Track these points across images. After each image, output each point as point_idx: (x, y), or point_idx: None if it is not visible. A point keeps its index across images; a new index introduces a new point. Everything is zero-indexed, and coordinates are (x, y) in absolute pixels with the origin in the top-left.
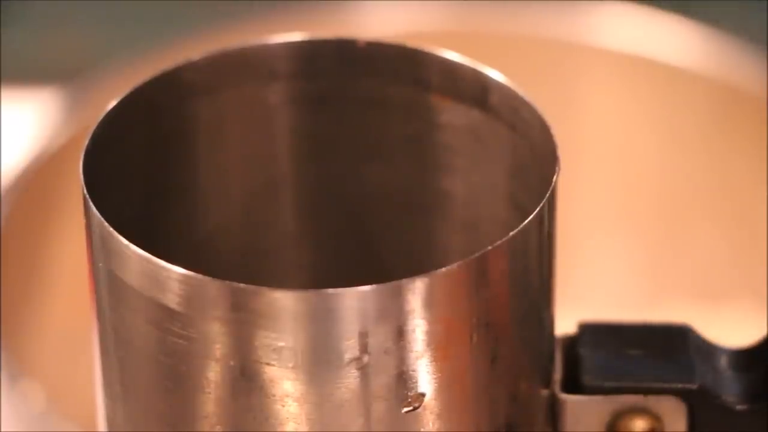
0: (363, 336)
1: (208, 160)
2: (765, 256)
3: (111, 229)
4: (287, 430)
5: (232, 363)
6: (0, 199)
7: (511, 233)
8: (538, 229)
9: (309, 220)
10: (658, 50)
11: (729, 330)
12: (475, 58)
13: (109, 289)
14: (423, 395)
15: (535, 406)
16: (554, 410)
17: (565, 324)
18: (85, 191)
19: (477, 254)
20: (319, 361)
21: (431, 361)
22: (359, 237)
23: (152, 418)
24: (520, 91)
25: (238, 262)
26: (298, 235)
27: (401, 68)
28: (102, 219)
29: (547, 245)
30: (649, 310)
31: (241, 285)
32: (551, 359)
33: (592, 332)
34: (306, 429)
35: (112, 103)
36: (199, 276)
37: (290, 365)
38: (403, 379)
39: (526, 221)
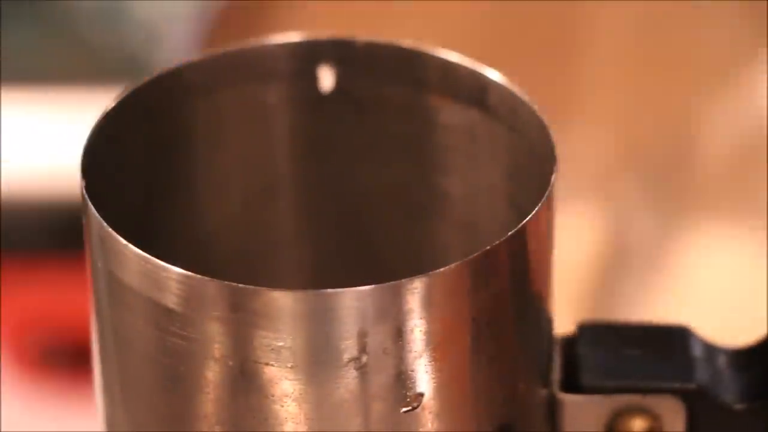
0: (362, 336)
1: (207, 160)
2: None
3: (110, 229)
4: (286, 430)
5: (231, 363)
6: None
7: (510, 233)
8: (536, 229)
9: (308, 220)
10: None
11: None
12: None
13: (108, 290)
14: (422, 395)
15: (534, 406)
16: (553, 410)
17: (565, 324)
18: (84, 191)
19: (475, 254)
20: (317, 361)
21: (430, 361)
22: (358, 237)
23: (151, 418)
24: (519, 91)
25: (237, 262)
26: (297, 235)
27: (399, 68)
28: (101, 219)
29: (546, 245)
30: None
31: (240, 285)
32: (550, 359)
33: (591, 332)
34: (305, 429)
35: (111, 103)
36: (198, 276)
37: (289, 365)
38: (401, 379)
39: (525, 221)
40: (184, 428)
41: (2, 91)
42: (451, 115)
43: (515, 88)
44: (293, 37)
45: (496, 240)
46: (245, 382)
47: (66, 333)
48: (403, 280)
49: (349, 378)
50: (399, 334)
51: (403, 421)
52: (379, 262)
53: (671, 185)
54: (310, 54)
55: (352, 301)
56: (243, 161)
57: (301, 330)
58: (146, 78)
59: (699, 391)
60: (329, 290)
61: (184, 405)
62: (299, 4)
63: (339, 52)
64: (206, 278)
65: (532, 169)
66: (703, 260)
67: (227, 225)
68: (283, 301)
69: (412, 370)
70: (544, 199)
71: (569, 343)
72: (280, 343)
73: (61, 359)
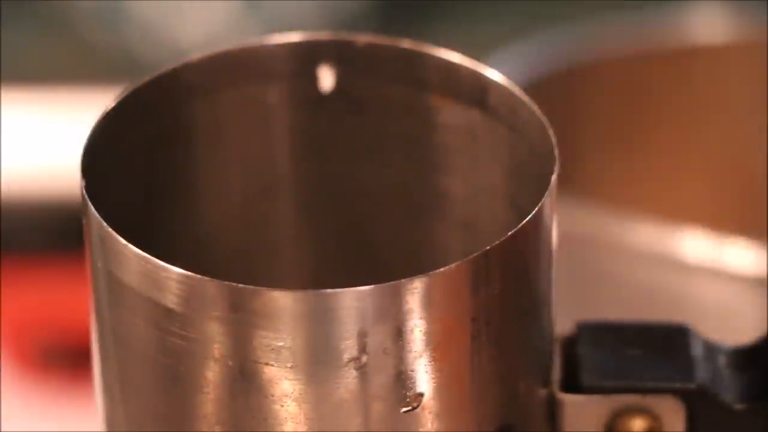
0: (362, 336)
1: (207, 160)
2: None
3: (110, 229)
4: (286, 430)
5: (230, 363)
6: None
7: (510, 233)
8: (536, 229)
9: (308, 220)
10: None
11: None
12: None
13: (108, 290)
14: (421, 395)
15: (534, 406)
16: (553, 410)
17: (565, 324)
18: (84, 191)
19: (475, 254)
20: (317, 361)
21: (430, 361)
22: (358, 237)
23: (151, 418)
24: (519, 91)
25: (237, 262)
26: (297, 235)
27: (400, 68)
28: (101, 219)
29: (547, 245)
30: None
31: (240, 285)
32: (550, 359)
33: (591, 332)
34: (304, 429)
35: (111, 103)
36: (198, 276)
37: (289, 365)
38: (401, 379)
39: (525, 221)
40: (184, 428)
41: (2, 91)
42: (452, 115)
43: (515, 88)
44: (293, 37)
45: (496, 240)
46: (245, 382)
47: (66, 333)
48: (403, 280)
49: (349, 378)
50: (399, 334)
51: (403, 421)
52: (379, 262)
53: None
54: (310, 54)
55: (352, 301)
56: (243, 161)
57: (301, 330)
58: (146, 78)
59: (699, 391)
60: (329, 290)
61: (184, 405)
62: None
63: (339, 52)
64: (206, 278)
65: (532, 169)
66: None
67: (227, 225)
68: (283, 301)
69: (412, 370)
70: (544, 199)
71: (569, 343)
72: (280, 343)
73: (61, 359)
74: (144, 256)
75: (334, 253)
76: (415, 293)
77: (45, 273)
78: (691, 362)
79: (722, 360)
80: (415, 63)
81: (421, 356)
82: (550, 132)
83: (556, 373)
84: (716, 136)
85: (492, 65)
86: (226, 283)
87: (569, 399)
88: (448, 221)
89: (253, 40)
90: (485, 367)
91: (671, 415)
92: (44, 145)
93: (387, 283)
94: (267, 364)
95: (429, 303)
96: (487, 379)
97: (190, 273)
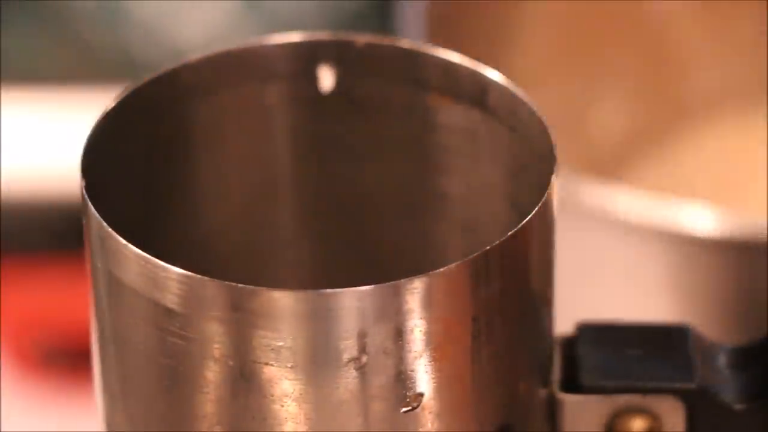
0: (361, 336)
1: (207, 160)
2: None
3: (109, 229)
4: (286, 430)
5: (230, 363)
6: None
7: (510, 233)
8: (536, 229)
9: (308, 220)
10: None
11: None
12: None
13: (108, 290)
14: (422, 395)
15: (534, 406)
16: (553, 410)
17: (564, 324)
18: (84, 191)
19: (475, 254)
20: (317, 361)
21: (430, 361)
22: (358, 237)
23: (151, 418)
24: (519, 91)
25: (237, 262)
26: (297, 235)
27: (400, 68)
28: (100, 219)
29: (546, 245)
30: None
31: (240, 285)
32: (550, 359)
33: (591, 332)
34: (304, 429)
35: (111, 103)
36: (198, 276)
37: (289, 365)
38: (401, 379)
39: (525, 221)
40: (184, 428)
41: (2, 91)
42: (452, 115)
43: (515, 89)
44: (293, 37)
45: (496, 240)
46: (245, 382)
47: (66, 333)
48: (403, 280)
49: (349, 378)
50: (399, 334)
51: (403, 421)
52: (379, 262)
53: None
54: (310, 54)
55: (352, 301)
56: (243, 161)
57: (301, 330)
58: (146, 78)
59: (699, 391)
60: (329, 290)
61: (184, 405)
62: None
63: (339, 52)
64: (206, 278)
65: (532, 169)
66: None
67: (227, 225)
68: (283, 301)
69: (412, 370)
70: (544, 199)
71: (569, 343)
72: (280, 343)
73: (61, 359)
74: (144, 256)
75: (334, 253)
76: (415, 293)
77: (45, 273)
78: (690, 362)
79: (722, 360)
80: (415, 63)
81: (421, 356)
82: (551, 132)
83: (556, 373)
84: None
85: None
86: (226, 283)
87: (569, 399)
88: (448, 221)
89: (253, 40)
90: (485, 367)
91: (671, 415)
92: (44, 145)
93: (387, 283)
94: (267, 364)
95: (429, 303)
96: (487, 379)
97: (190, 273)
